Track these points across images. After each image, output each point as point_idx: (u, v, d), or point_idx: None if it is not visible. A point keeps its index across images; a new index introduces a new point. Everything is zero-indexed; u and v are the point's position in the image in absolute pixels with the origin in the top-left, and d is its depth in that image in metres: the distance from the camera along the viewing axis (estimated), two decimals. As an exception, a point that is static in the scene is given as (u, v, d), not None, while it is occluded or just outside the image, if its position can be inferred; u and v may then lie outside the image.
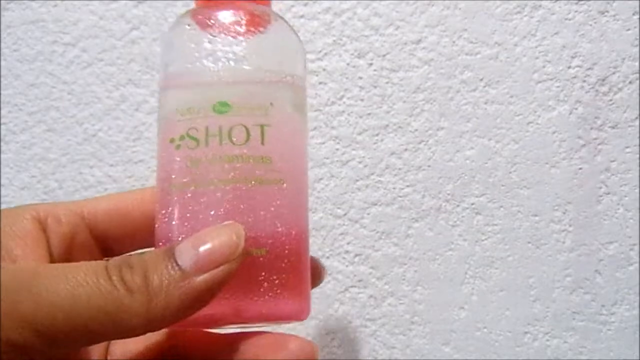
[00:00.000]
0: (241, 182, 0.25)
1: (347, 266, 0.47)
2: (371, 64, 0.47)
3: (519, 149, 0.47)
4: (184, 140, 0.25)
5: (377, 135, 0.47)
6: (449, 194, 0.47)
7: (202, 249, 0.22)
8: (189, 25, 0.27)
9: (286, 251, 0.25)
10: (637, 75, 0.47)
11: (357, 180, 0.47)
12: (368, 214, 0.47)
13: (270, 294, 0.25)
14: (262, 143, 0.25)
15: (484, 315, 0.47)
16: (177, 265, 0.21)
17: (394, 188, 0.47)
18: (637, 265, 0.47)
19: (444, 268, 0.47)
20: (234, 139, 0.25)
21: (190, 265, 0.22)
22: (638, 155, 0.47)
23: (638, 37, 0.47)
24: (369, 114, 0.47)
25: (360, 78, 0.47)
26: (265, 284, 0.25)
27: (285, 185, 0.25)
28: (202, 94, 0.26)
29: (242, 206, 0.24)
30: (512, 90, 0.47)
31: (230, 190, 0.25)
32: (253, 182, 0.25)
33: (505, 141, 0.47)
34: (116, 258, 0.22)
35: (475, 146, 0.47)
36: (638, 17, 0.47)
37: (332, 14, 0.47)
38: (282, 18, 0.28)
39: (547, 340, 0.47)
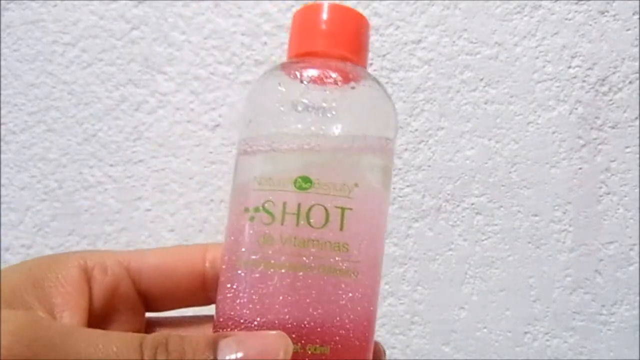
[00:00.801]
0: (314, 269, 0.23)
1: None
2: (371, 64, 0.47)
3: (519, 149, 0.47)
4: (258, 212, 0.24)
5: (377, 135, 0.47)
6: (449, 194, 0.47)
7: (245, 355, 0.21)
8: (278, 83, 0.25)
9: (350, 350, 0.24)
10: (637, 75, 0.47)
11: (357, 180, 0.47)
12: (368, 214, 0.47)
13: None
14: (341, 228, 0.24)
15: (484, 315, 0.47)
16: None
17: (394, 188, 0.47)
18: (637, 265, 0.47)
19: (444, 268, 0.47)
20: (312, 221, 0.23)
21: None
22: (638, 155, 0.47)
23: (638, 37, 0.47)
24: (369, 114, 0.47)
25: (360, 78, 0.47)
26: None
27: (359, 276, 0.24)
28: (285, 163, 0.24)
29: (311, 296, 0.23)
30: (512, 90, 0.47)
31: (302, 278, 0.23)
32: (326, 271, 0.23)
33: (505, 141, 0.47)
34: (155, 335, 0.21)
35: (475, 146, 0.47)
36: (638, 17, 0.47)
37: (332, 14, 0.47)
38: (375, 79, 0.26)
39: (547, 340, 0.47)
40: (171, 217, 0.48)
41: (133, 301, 0.27)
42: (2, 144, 0.49)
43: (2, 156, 0.49)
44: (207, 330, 0.27)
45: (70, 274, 0.25)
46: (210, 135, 0.48)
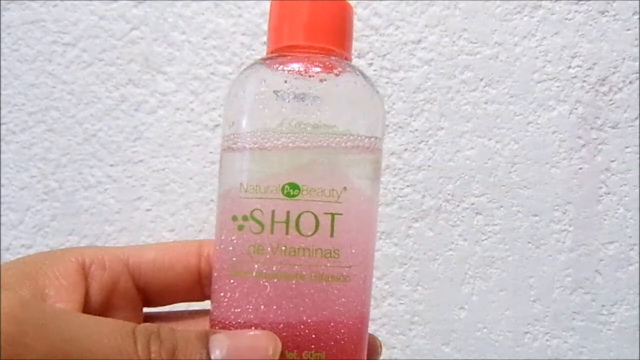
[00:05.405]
0: (306, 277, 0.23)
1: (347, 266, 0.47)
2: (371, 64, 0.47)
3: (519, 149, 0.47)
4: (247, 221, 0.23)
5: (377, 135, 0.47)
6: (449, 194, 0.47)
7: (235, 350, 0.22)
8: (260, 79, 0.25)
9: (345, 353, 0.24)
10: (637, 75, 0.47)
11: (357, 180, 0.47)
12: (368, 214, 0.47)
13: None
14: (332, 235, 0.23)
15: (484, 315, 0.47)
16: (208, 356, 0.21)
17: (394, 188, 0.47)
18: (637, 265, 0.47)
19: (444, 268, 0.47)
20: (302, 229, 0.23)
21: None
22: (638, 155, 0.47)
23: (638, 37, 0.47)
24: (369, 114, 0.47)
25: (360, 78, 0.47)
26: None
27: (351, 281, 0.24)
28: (271, 167, 0.23)
29: (304, 304, 0.23)
30: (512, 90, 0.47)
31: (294, 286, 0.23)
32: (318, 279, 0.23)
33: (505, 141, 0.47)
34: (147, 325, 0.21)
35: (475, 146, 0.47)
36: (638, 17, 0.47)
37: (332, 14, 0.47)
38: (361, 73, 0.25)
39: (547, 340, 0.47)
40: (171, 217, 0.48)
41: (132, 297, 0.27)
42: (2, 144, 0.49)
43: (2, 156, 0.49)
44: (199, 325, 0.28)
45: (66, 268, 0.25)
46: (210, 135, 0.48)
